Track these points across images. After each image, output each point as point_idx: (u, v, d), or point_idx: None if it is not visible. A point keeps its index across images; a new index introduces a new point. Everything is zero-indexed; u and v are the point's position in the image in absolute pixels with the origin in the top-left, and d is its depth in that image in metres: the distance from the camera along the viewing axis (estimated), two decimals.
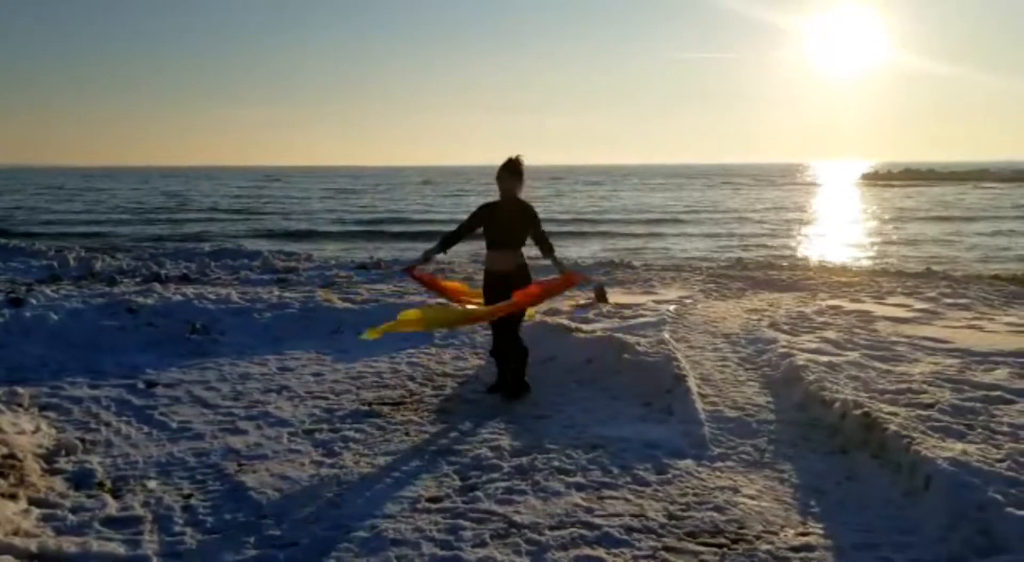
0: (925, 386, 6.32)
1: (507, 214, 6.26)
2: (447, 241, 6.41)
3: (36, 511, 4.27)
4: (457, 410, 6.15)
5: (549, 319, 8.43)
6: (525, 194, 6.40)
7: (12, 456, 4.81)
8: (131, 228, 32.43)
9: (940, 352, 7.69)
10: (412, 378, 7.06)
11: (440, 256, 6.70)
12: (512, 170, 6.22)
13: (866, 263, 19.28)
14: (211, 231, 31.32)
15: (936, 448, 4.70)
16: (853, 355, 7.41)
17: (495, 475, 4.82)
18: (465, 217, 6.43)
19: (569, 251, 21.94)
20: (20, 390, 6.27)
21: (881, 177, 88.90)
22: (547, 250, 6.42)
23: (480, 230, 6.34)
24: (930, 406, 5.79)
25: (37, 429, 5.52)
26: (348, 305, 9.60)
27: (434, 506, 4.40)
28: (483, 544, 3.97)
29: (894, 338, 8.30)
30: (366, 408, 6.19)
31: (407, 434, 5.59)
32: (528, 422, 5.86)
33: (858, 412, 5.44)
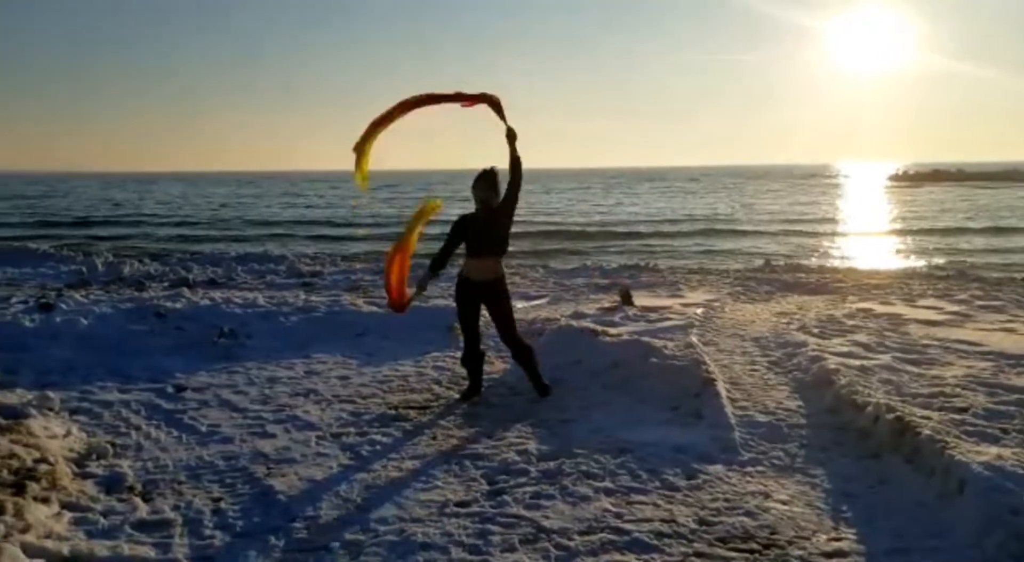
0: (958, 390, 6.24)
1: (484, 222, 6.26)
2: (436, 264, 6.41)
3: (68, 515, 4.31)
4: (483, 414, 6.14)
5: (575, 323, 8.40)
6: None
7: (44, 460, 4.85)
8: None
9: (973, 355, 7.58)
10: (438, 382, 7.06)
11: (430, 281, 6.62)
12: (488, 180, 6.21)
13: (896, 265, 19.08)
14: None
15: (970, 452, 4.64)
16: (885, 358, 7.33)
17: (523, 479, 4.81)
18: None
19: (595, 256, 21.94)
20: (51, 394, 6.33)
21: (909, 178, 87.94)
22: (514, 154, 6.27)
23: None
24: (964, 410, 5.72)
25: (68, 433, 5.57)
26: (373, 309, 9.62)
27: (462, 510, 4.39)
28: (512, 549, 3.96)
29: (926, 341, 8.19)
30: (393, 412, 6.19)
31: (434, 438, 5.59)
32: (555, 426, 5.83)
33: (890, 416, 5.37)
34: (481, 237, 6.27)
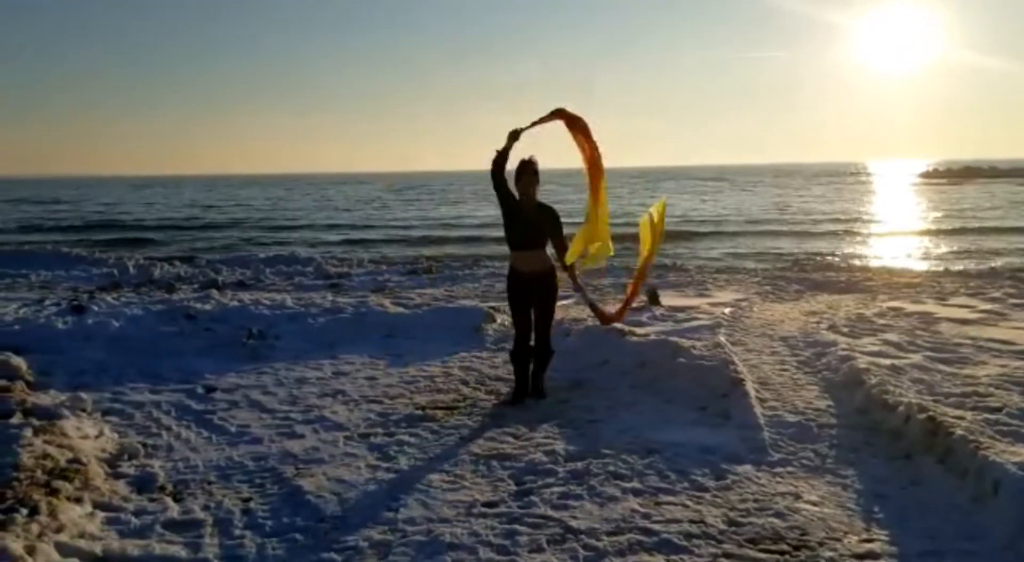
0: (992, 389, 6.16)
1: (530, 214, 6.24)
2: (503, 155, 6.10)
3: (100, 514, 4.35)
4: (510, 414, 6.13)
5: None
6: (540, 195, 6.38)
7: (77, 460, 4.91)
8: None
9: (1007, 354, 7.48)
10: (465, 382, 7.06)
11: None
12: (532, 171, 6.17)
13: (927, 263, 18.85)
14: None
15: (1004, 453, 4.58)
16: (916, 358, 7.25)
17: (550, 480, 4.80)
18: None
19: (622, 256, 21.84)
20: (83, 395, 6.40)
21: (940, 175, 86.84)
22: (562, 256, 6.35)
23: (502, 218, 6.29)
24: (997, 410, 5.64)
25: (100, 434, 5.64)
26: (400, 310, 9.65)
27: (490, 511, 4.39)
28: (540, 549, 3.95)
29: (958, 340, 8.10)
30: (420, 412, 6.20)
31: (461, 438, 5.59)
32: (582, 426, 5.82)
33: (922, 416, 5.31)
34: (526, 230, 6.25)
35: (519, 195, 6.25)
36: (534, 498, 4.53)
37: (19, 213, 48.69)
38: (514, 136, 6.03)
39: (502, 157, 6.06)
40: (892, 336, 8.30)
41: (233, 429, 5.87)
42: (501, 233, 6.35)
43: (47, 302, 10.95)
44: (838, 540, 4.02)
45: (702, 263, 18.38)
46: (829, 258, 19.31)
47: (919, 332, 8.53)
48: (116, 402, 6.49)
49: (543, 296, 6.37)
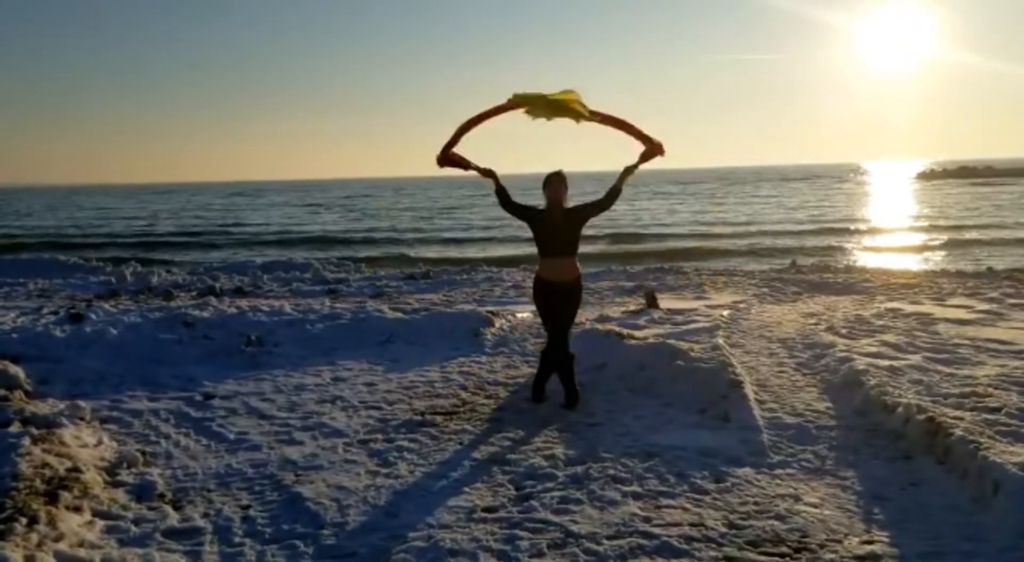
0: (991, 389, 6.16)
1: (558, 220, 6.20)
2: (500, 193, 6.34)
3: (100, 523, 4.34)
4: (509, 419, 6.12)
5: (600, 326, 8.37)
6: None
7: (76, 469, 4.90)
8: None
9: (1006, 354, 7.48)
10: (464, 387, 7.05)
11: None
12: (561, 177, 6.19)
13: (925, 264, 18.86)
14: None
15: (1004, 453, 4.59)
16: (915, 358, 7.25)
17: (550, 484, 4.79)
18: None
19: (620, 259, 21.87)
20: (82, 404, 6.38)
21: (938, 175, 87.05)
22: (617, 185, 6.38)
23: (529, 230, 6.30)
24: (997, 410, 5.65)
25: (99, 442, 5.62)
26: (398, 315, 9.64)
27: (490, 516, 4.38)
28: (540, 554, 3.95)
29: (957, 340, 8.10)
30: (419, 418, 6.19)
31: (460, 443, 5.59)
32: (581, 430, 5.81)
33: (922, 417, 5.31)
34: (557, 237, 6.21)
35: (547, 202, 6.24)
36: (534, 503, 4.53)
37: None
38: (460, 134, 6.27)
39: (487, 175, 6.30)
40: (890, 337, 8.30)
41: (232, 436, 5.85)
42: None
43: (45, 310, 10.95)
44: (839, 542, 4.02)
45: (700, 265, 18.39)
46: (826, 259, 19.34)
47: (917, 333, 8.53)
48: (115, 410, 6.47)
49: (566, 303, 6.33)
